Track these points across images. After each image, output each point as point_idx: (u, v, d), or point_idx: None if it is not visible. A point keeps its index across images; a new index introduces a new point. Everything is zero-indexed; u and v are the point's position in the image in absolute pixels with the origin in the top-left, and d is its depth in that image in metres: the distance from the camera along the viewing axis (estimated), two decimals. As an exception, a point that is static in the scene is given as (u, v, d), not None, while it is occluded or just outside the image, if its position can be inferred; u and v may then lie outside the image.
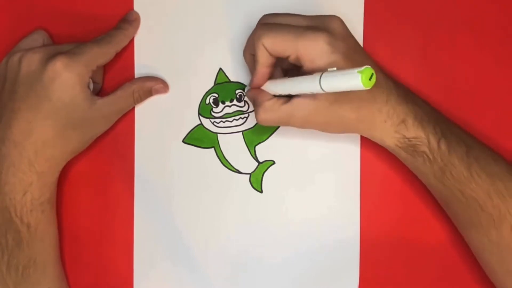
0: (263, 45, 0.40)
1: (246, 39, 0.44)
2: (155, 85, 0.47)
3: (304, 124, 0.41)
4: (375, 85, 0.39)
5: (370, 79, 0.33)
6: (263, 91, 0.42)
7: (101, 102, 0.45)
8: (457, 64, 0.47)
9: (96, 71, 0.45)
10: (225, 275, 0.48)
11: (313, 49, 0.39)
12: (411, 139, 0.41)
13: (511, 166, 0.42)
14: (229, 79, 0.48)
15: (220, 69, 0.48)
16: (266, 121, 0.41)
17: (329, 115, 0.40)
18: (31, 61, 0.43)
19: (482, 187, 0.40)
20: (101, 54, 0.45)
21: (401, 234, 0.47)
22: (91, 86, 0.46)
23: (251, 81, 0.43)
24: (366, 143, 0.47)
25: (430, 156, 0.41)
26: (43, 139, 0.43)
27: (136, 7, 0.48)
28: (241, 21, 0.47)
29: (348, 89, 0.34)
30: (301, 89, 0.39)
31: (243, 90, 0.48)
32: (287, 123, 0.41)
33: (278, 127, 0.48)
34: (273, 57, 0.41)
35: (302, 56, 0.39)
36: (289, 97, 0.41)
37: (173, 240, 0.49)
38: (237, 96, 0.48)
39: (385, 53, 0.47)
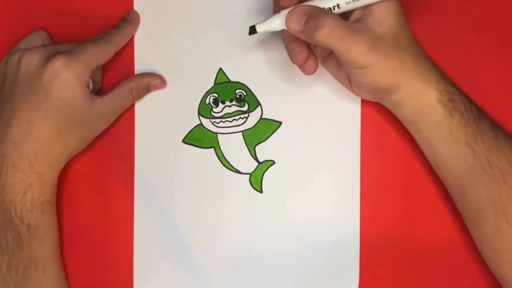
0: None
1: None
2: (152, 81, 0.47)
3: (369, 48, 0.38)
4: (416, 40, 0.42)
5: None
6: (313, 5, 0.39)
7: (100, 101, 0.45)
8: (457, 64, 0.47)
9: (95, 71, 0.45)
10: (225, 275, 0.48)
11: None
12: (451, 93, 0.41)
13: None
14: (229, 79, 0.48)
15: (220, 69, 0.48)
16: (333, 32, 0.38)
17: (392, 44, 0.39)
18: (30, 61, 0.43)
19: (508, 156, 0.40)
20: (100, 53, 0.45)
21: (401, 234, 0.47)
22: (91, 86, 0.46)
23: None
24: (366, 143, 0.47)
25: (466, 116, 0.41)
26: (43, 139, 0.43)
27: (136, 7, 0.48)
28: (241, 21, 0.47)
29: None
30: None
31: (243, 90, 0.48)
32: (350, 45, 0.38)
33: (278, 127, 0.48)
34: None
35: None
36: None
37: (173, 240, 0.49)
38: (237, 96, 0.48)
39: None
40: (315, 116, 0.47)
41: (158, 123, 0.48)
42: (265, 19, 0.41)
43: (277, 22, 0.40)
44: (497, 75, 0.47)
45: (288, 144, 0.48)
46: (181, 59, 0.48)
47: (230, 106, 0.48)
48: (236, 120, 0.48)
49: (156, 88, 0.48)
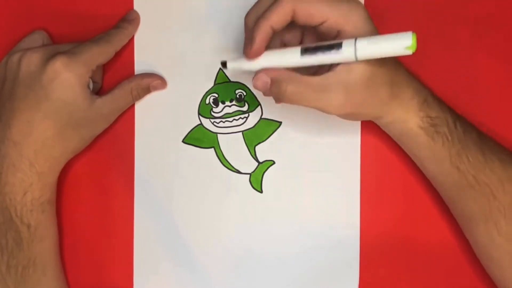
0: (294, 9, 0.37)
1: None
2: (152, 81, 0.47)
3: (340, 103, 0.38)
4: (399, 64, 0.41)
5: (415, 43, 0.33)
6: (278, 69, 0.39)
7: (100, 101, 0.45)
8: (457, 64, 0.47)
9: (95, 71, 0.45)
10: (225, 275, 0.48)
11: (357, 13, 0.37)
12: (433, 118, 0.41)
13: None
14: (229, 79, 0.48)
15: (220, 69, 0.48)
16: (297, 95, 0.38)
17: (366, 91, 0.38)
18: (30, 61, 0.43)
19: (496, 173, 0.40)
20: (100, 53, 0.45)
21: (401, 234, 0.47)
22: (91, 86, 0.46)
23: (252, 44, 0.38)
24: (367, 142, 0.47)
25: (449, 138, 0.41)
26: (43, 139, 0.43)
27: (136, 7, 0.48)
28: (242, 21, 0.47)
29: (389, 55, 0.34)
30: (327, 58, 0.36)
31: (243, 90, 0.48)
32: (320, 100, 0.38)
33: (278, 127, 0.48)
34: (286, 23, 0.38)
35: (345, 19, 0.37)
36: None
37: (173, 240, 0.48)
38: (237, 96, 0.48)
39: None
40: (315, 116, 0.47)
41: (158, 123, 0.48)
42: (237, 58, 0.41)
43: (246, 66, 0.40)
44: (497, 75, 0.47)
45: (288, 144, 0.48)
46: (181, 59, 0.48)
47: (230, 106, 0.48)
48: (236, 120, 0.48)
49: (156, 88, 0.48)
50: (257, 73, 0.39)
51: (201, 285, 0.48)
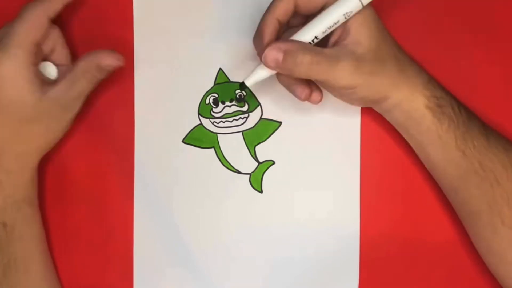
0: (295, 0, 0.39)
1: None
2: (103, 60, 0.41)
3: (352, 72, 0.38)
4: (399, 47, 0.41)
5: None
6: (289, 40, 0.39)
7: (54, 91, 0.41)
8: (457, 64, 0.47)
9: (50, 50, 0.41)
10: (224, 275, 0.48)
11: None
12: (439, 98, 0.41)
13: None
14: (229, 79, 0.48)
15: (220, 69, 0.48)
16: (311, 65, 0.38)
17: (375, 62, 0.39)
18: None
19: (500, 158, 0.40)
20: (34, 24, 0.39)
21: (401, 234, 0.47)
22: (53, 71, 0.42)
23: (262, 37, 0.40)
24: (366, 143, 0.47)
25: (454, 120, 0.41)
26: (2, 137, 0.42)
27: (136, 7, 0.48)
28: (241, 21, 0.47)
29: None
30: (335, 16, 0.38)
31: (243, 90, 0.48)
32: (332, 70, 0.38)
33: (278, 127, 0.48)
34: (291, 13, 0.39)
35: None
36: None
37: (173, 240, 0.49)
38: (237, 96, 0.48)
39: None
40: (315, 116, 0.47)
41: (158, 123, 0.48)
42: (251, 72, 0.41)
43: (263, 73, 0.41)
44: (496, 75, 0.47)
45: (288, 144, 0.48)
46: (181, 59, 0.48)
47: (230, 106, 0.48)
48: (236, 120, 0.48)
49: (110, 66, 0.42)
50: (266, 48, 0.39)
51: (201, 285, 0.48)
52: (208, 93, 0.48)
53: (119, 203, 0.49)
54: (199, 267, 0.48)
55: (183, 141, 0.48)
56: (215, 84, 0.48)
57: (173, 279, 0.48)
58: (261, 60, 0.40)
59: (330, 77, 0.39)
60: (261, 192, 0.48)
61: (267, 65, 0.39)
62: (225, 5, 0.48)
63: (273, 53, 0.38)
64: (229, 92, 0.48)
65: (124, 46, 0.48)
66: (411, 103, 0.41)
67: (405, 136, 0.44)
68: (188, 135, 0.48)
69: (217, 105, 0.48)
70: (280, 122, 0.48)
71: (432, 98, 0.41)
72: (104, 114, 0.49)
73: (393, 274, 0.47)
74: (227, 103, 0.48)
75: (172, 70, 0.48)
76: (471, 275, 0.46)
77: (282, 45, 0.38)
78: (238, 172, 0.48)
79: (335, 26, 0.39)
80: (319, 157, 0.48)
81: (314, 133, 0.48)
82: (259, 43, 0.41)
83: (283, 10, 0.39)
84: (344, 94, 0.41)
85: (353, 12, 0.39)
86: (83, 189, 0.49)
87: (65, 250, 0.49)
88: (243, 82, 0.42)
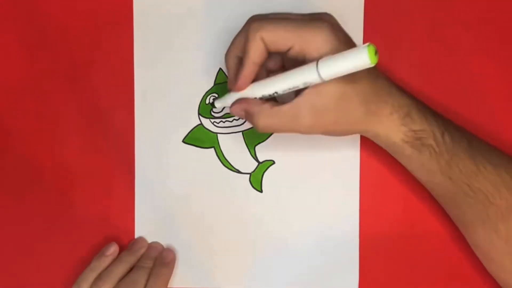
0: (262, 38, 0.37)
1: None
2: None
3: (312, 126, 0.39)
4: (377, 77, 0.39)
5: (375, 54, 0.33)
6: (251, 99, 0.40)
7: None
8: (457, 64, 0.47)
9: None
10: (224, 275, 0.48)
11: (319, 37, 0.37)
12: (417, 132, 0.40)
13: (511, 157, 0.42)
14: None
15: (220, 69, 0.48)
16: (268, 127, 0.39)
17: (338, 111, 0.38)
18: None
19: (489, 179, 0.40)
20: None
21: (401, 233, 0.47)
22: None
23: (236, 82, 0.40)
24: (366, 143, 0.47)
25: (437, 150, 0.40)
26: None
27: (136, 7, 0.48)
28: (241, 22, 0.47)
29: (352, 70, 0.34)
30: (295, 82, 0.37)
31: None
32: (292, 128, 0.39)
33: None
34: (266, 53, 0.38)
35: (308, 44, 0.37)
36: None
37: (173, 240, 0.49)
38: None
39: (385, 53, 0.47)
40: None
41: (158, 123, 0.48)
42: (222, 97, 0.43)
43: (229, 101, 0.42)
44: (496, 77, 0.47)
45: (288, 144, 0.48)
46: (181, 59, 0.48)
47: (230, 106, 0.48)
48: (236, 120, 0.48)
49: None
50: (233, 103, 0.41)
51: (200, 284, 0.48)
52: (208, 93, 0.48)
53: (120, 203, 0.49)
54: (198, 267, 0.48)
55: (183, 141, 0.48)
56: (215, 84, 0.48)
57: (173, 279, 0.48)
58: (230, 89, 0.42)
59: (290, 131, 0.39)
60: (261, 192, 0.48)
61: (234, 115, 0.42)
62: (225, 5, 0.48)
63: (237, 111, 0.41)
64: (229, 92, 0.48)
65: (124, 46, 0.48)
66: (387, 138, 0.40)
67: (394, 157, 0.43)
68: (188, 135, 0.48)
69: (217, 105, 0.48)
70: (280, 122, 0.48)
71: (409, 132, 0.40)
72: (104, 114, 0.49)
73: (393, 274, 0.47)
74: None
75: (172, 70, 0.48)
76: (471, 274, 0.46)
77: (244, 106, 0.40)
78: (238, 172, 0.48)
79: (297, 87, 0.38)
80: (319, 157, 0.48)
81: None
82: (233, 78, 0.41)
83: (257, 53, 0.38)
84: None
85: (314, 83, 0.37)
86: (84, 189, 0.49)
87: (66, 250, 0.49)
88: (213, 102, 0.45)
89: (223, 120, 0.48)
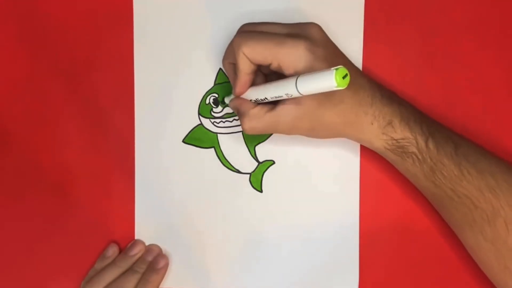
0: (243, 53, 0.40)
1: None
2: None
3: (290, 130, 0.41)
4: (359, 88, 0.41)
5: (344, 78, 0.34)
6: (245, 100, 0.42)
7: None
8: (457, 65, 0.47)
9: None
10: (224, 275, 0.48)
11: (293, 55, 0.39)
12: (399, 140, 0.41)
13: (501, 161, 0.42)
14: (229, 79, 0.48)
15: (220, 69, 0.48)
16: (252, 130, 0.42)
17: (314, 120, 0.41)
18: None
19: (474, 184, 0.40)
20: None
21: (401, 233, 0.47)
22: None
23: (234, 89, 0.43)
24: (366, 143, 0.47)
25: (420, 157, 0.41)
26: None
27: (136, 7, 0.48)
28: (242, 22, 0.47)
29: (323, 90, 0.35)
30: (278, 93, 0.39)
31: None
32: (273, 130, 0.42)
33: (278, 127, 0.48)
34: (254, 65, 0.41)
35: (283, 63, 0.39)
36: (274, 104, 0.41)
37: (173, 240, 0.49)
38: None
39: (385, 54, 0.47)
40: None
41: (158, 123, 0.48)
42: (229, 95, 0.45)
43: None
44: (497, 76, 0.47)
45: (288, 144, 0.48)
46: (181, 59, 0.48)
47: (230, 106, 0.48)
48: (236, 120, 0.48)
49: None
50: (232, 99, 0.44)
51: (201, 284, 0.48)
52: (208, 93, 0.48)
53: (120, 203, 0.49)
54: (199, 267, 0.48)
55: (183, 141, 0.48)
56: (215, 84, 0.48)
57: (173, 279, 0.49)
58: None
59: (272, 133, 0.43)
60: (261, 192, 0.48)
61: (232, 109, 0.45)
62: (225, 5, 0.48)
63: (232, 107, 0.44)
64: (229, 92, 0.48)
65: (124, 46, 0.48)
66: (370, 144, 0.42)
67: None
68: (188, 135, 0.48)
69: (217, 105, 0.48)
70: (280, 122, 0.48)
71: (391, 141, 0.41)
72: (104, 114, 0.49)
73: (393, 274, 0.47)
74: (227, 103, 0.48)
75: (172, 70, 0.48)
76: (470, 274, 0.46)
77: (237, 104, 0.43)
78: (238, 172, 0.48)
79: (281, 97, 0.39)
80: (319, 156, 0.48)
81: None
82: (232, 84, 0.44)
83: (245, 65, 0.40)
84: None
85: (294, 95, 0.38)
86: (84, 190, 0.49)
87: (66, 251, 0.49)
88: (223, 100, 0.47)
89: (223, 120, 0.48)
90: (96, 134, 0.49)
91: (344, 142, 0.47)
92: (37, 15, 0.49)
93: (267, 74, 0.44)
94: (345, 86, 0.34)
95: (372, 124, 0.41)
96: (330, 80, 0.34)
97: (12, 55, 0.49)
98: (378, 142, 0.41)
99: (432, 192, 0.42)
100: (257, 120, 0.41)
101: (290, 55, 0.39)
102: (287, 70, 0.39)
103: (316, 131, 0.42)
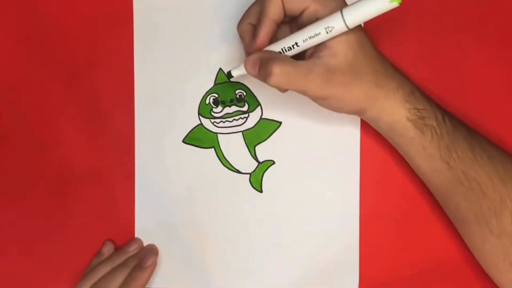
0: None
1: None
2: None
3: (323, 84, 0.38)
4: (384, 57, 0.41)
5: None
6: (268, 50, 0.40)
7: None
8: (457, 64, 0.47)
9: None
10: (224, 275, 0.48)
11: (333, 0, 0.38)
12: (420, 110, 0.41)
13: (508, 152, 0.42)
14: (229, 80, 0.48)
15: (220, 69, 0.48)
16: (283, 77, 0.38)
17: (349, 74, 0.39)
18: None
19: (485, 169, 0.40)
20: None
21: (401, 233, 0.47)
22: None
23: (256, 40, 0.40)
24: (366, 143, 0.47)
25: (438, 131, 0.40)
26: None
27: (136, 7, 0.48)
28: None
29: (376, 14, 0.36)
30: (316, 30, 0.38)
31: (243, 90, 0.48)
32: (304, 83, 0.39)
33: (278, 127, 0.48)
34: (283, 13, 0.39)
35: (322, 7, 0.38)
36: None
37: (173, 240, 0.49)
38: (237, 96, 0.48)
39: (385, 52, 0.47)
40: (315, 116, 0.47)
41: (158, 123, 0.48)
42: (238, 65, 0.43)
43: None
44: (498, 75, 0.47)
45: (288, 144, 0.48)
46: (181, 59, 0.48)
47: (230, 106, 0.48)
48: (236, 120, 0.48)
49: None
50: (247, 58, 0.41)
51: (201, 284, 0.48)
52: (208, 93, 0.48)
53: (120, 203, 0.49)
54: (199, 266, 0.48)
55: (183, 141, 0.48)
56: (215, 84, 0.48)
57: (173, 278, 0.49)
58: (249, 51, 0.41)
59: (301, 88, 0.39)
60: (261, 192, 0.48)
61: (247, 70, 0.41)
62: (225, 5, 0.48)
63: (251, 63, 0.40)
64: (229, 92, 0.48)
65: (124, 46, 0.48)
66: (391, 116, 0.41)
67: (393, 145, 0.44)
68: (188, 135, 0.48)
69: (217, 105, 0.48)
70: (280, 122, 0.48)
71: (413, 110, 0.41)
72: (104, 114, 0.49)
73: (393, 274, 0.47)
74: (227, 103, 0.48)
75: (172, 70, 0.48)
76: (471, 274, 0.46)
77: (259, 55, 0.40)
78: (238, 172, 0.48)
79: (318, 38, 0.39)
80: (319, 157, 0.48)
81: (314, 133, 0.48)
82: (250, 43, 0.41)
83: (276, 10, 0.39)
84: (320, 104, 0.41)
85: (336, 29, 0.38)
86: (84, 189, 0.49)
87: (66, 251, 0.49)
88: (229, 72, 0.44)
89: (223, 120, 0.48)
90: (96, 134, 0.49)
91: (344, 142, 0.47)
92: (37, 15, 0.49)
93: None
94: (400, 2, 0.35)
95: (397, 90, 0.40)
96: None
97: (12, 55, 0.49)
98: (402, 111, 0.41)
99: (443, 176, 0.41)
100: (289, 65, 0.38)
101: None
102: (325, 13, 0.38)
103: (347, 89, 0.39)
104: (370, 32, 0.47)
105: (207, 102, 0.48)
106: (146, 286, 0.47)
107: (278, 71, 0.38)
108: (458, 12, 0.47)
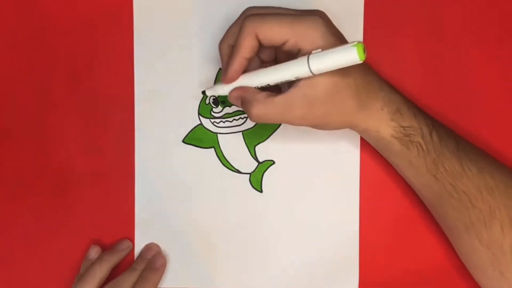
0: (256, 35, 0.38)
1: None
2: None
3: (303, 117, 0.39)
4: (367, 71, 0.40)
5: (364, 52, 0.34)
6: (249, 87, 0.41)
7: None
8: (457, 64, 0.47)
9: None
10: (224, 275, 0.48)
11: (313, 30, 0.37)
12: (406, 128, 0.40)
13: (499, 162, 0.42)
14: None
15: (220, 69, 0.48)
16: (262, 116, 0.39)
17: (330, 104, 0.39)
18: None
19: (473, 181, 0.40)
20: None
21: (401, 233, 0.47)
22: None
23: (227, 73, 0.40)
24: (366, 143, 0.47)
25: (424, 147, 0.40)
26: None
27: (136, 7, 0.48)
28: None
29: (341, 66, 0.35)
30: (285, 75, 0.38)
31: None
32: (284, 118, 0.39)
33: (278, 127, 0.48)
34: (257, 49, 0.39)
35: (303, 38, 0.38)
36: (278, 91, 0.40)
37: (173, 240, 0.49)
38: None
39: (385, 54, 0.47)
40: (315, 116, 0.47)
41: (158, 123, 0.48)
42: (213, 86, 0.44)
43: (221, 91, 0.43)
44: (498, 76, 0.47)
45: (288, 144, 0.48)
46: (181, 59, 0.48)
47: (230, 106, 0.48)
48: (236, 120, 0.48)
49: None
50: (232, 90, 0.41)
51: (201, 284, 0.48)
52: (208, 93, 0.48)
53: (120, 203, 0.49)
54: (199, 267, 0.48)
55: (183, 141, 0.48)
56: (215, 84, 0.48)
57: (173, 278, 0.49)
58: (222, 81, 0.42)
59: (282, 121, 0.40)
60: (261, 192, 0.48)
61: (232, 103, 0.42)
62: (225, 5, 0.48)
63: (233, 99, 0.41)
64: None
65: (124, 46, 0.48)
66: (376, 133, 0.41)
67: (383, 155, 0.44)
68: (188, 135, 0.48)
69: (217, 105, 0.48)
70: (280, 122, 0.48)
71: (398, 128, 0.40)
72: (104, 114, 0.49)
73: (393, 274, 0.47)
74: (227, 103, 0.48)
75: (172, 70, 0.48)
76: (470, 274, 0.46)
77: (240, 93, 0.41)
78: (238, 172, 0.48)
79: (288, 80, 0.39)
80: (319, 157, 0.48)
81: (314, 133, 0.47)
82: (224, 70, 0.41)
83: (248, 49, 0.39)
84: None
85: (304, 76, 0.38)
86: (84, 189, 0.49)
87: (66, 251, 0.49)
88: (204, 91, 0.44)
89: (223, 120, 0.48)
90: (96, 134, 0.49)
91: (344, 142, 0.47)
92: (36, 15, 0.49)
93: (263, 62, 0.43)
94: (364, 60, 0.34)
95: (382, 109, 0.40)
96: (352, 54, 0.34)
97: (12, 55, 0.49)
98: (387, 129, 0.41)
99: (431, 189, 0.42)
100: (266, 105, 0.39)
101: (310, 31, 0.37)
102: (305, 47, 0.38)
103: (330, 118, 0.40)
104: (368, 33, 0.47)
105: (207, 102, 0.48)
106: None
107: (255, 113, 0.39)
108: (458, 13, 0.47)
